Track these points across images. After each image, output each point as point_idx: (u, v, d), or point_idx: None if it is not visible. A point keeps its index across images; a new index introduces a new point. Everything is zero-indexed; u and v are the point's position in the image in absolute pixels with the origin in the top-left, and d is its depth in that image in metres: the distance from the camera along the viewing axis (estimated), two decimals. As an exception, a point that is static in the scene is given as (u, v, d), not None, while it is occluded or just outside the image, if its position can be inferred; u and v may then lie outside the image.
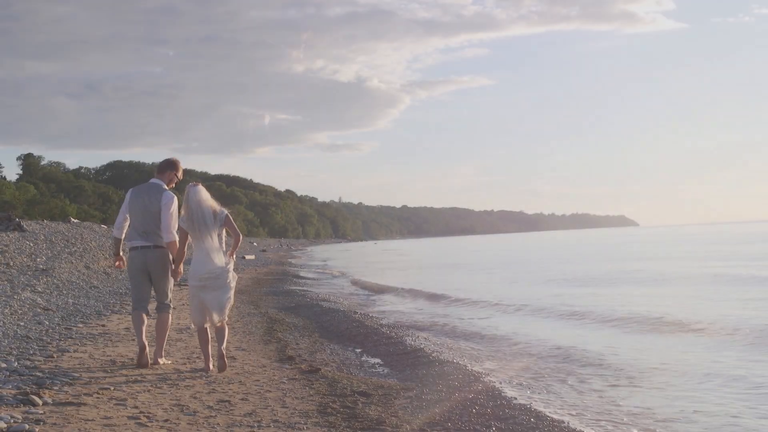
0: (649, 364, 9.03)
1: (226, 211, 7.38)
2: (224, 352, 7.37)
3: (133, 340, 9.25)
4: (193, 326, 7.39)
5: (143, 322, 7.45)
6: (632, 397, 7.45)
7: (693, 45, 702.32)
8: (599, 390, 7.74)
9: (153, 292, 7.70)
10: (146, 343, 7.46)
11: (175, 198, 7.53)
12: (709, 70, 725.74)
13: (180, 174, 7.79)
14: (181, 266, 7.55)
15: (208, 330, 7.40)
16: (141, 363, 7.40)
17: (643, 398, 7.35)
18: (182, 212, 7.34)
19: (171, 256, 7.55)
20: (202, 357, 7.59)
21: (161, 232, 7.39)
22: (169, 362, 7.79)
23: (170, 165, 7.73)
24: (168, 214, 7.38)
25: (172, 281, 7.68)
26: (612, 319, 13.16)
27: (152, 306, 7.83)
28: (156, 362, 7.55)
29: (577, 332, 12.25)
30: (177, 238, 7.39)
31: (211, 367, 7.37)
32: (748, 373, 8.23)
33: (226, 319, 7.45)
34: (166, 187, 7.61)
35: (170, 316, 7.68)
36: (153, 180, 7.68)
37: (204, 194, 7.30)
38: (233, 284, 7.39)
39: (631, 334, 11.58)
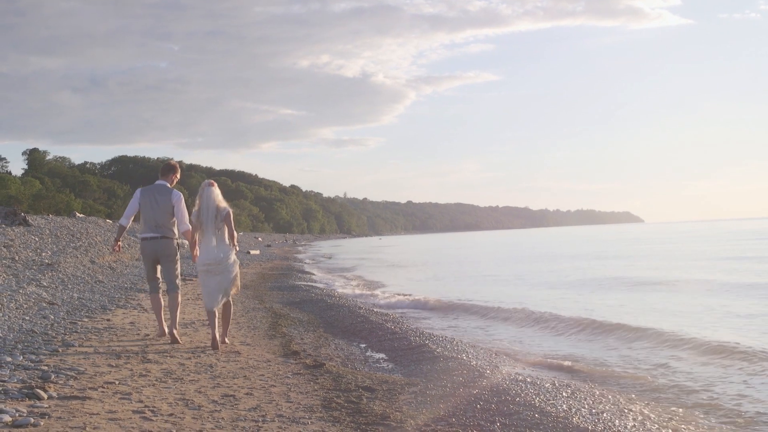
0: (659, 370, 9.01)
1: (228, 209, 8.45)
2: (219, 337, 8.57)
3: (137, 334, 9.31)
4: (208, 306, 8.51)
5: (161, 305, 8.91)
6: (640, 395, 7.45)
7: (699, 41, 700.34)
8: (605, 388, 7.73)
9: (163, 278, 8.97)
10: (166, 329, 8.89)
11: (182, 195, 8.89)
12: (714, 66, 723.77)
13: (179, 175, 9.16)
14: (196, 250, 8.59)
15: (215, 312, 8.53)
16: (163, 334, 8.94)
17: (652, 398, 7.35)
18: (195, 207, 8.45)
19: (185, 242, 8.97)
20: (211, 332, 8.57)
21: (177, 223, 8.75)
22: (181, 334, 9.20)
23: (172, 168, 9.10)
24: (181, 208, 8.72)
25: (179, 266, 8.96)
26: (620, 322, 13.13)
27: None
28: (170, 334, 8.79)
29: (584, 332, 12.23)
30: (190, 227, 8.63)
31: (225, 341, 8.71)
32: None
33: (231, 298, 8.61)
34: (170, 187, 8.94)
35: (179, 295, 8.94)
36: (159, 181, 8.96)
37: (215, 193, 8.45)
38: (235, 268, 8.48)
39: (641, 345, 11.52)
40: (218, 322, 8.71)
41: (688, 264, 28.89)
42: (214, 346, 8.38)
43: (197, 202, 8.46)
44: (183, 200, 8.81)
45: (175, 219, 8.74)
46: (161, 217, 8.66)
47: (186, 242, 8.94)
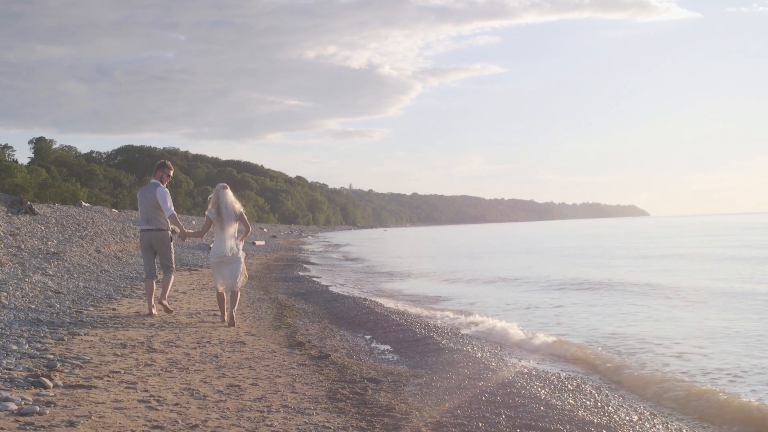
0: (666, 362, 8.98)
1: (242, 210, 9.81)
2: (234, 314, 9.81)
3: (143, 323, 9.38)
4: (219, 288, 9.90)
5: (152, 290, 10.24)
6: (644, 387, 7.43)
7: (706, 35, 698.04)
8: (612, 378, 7.71)
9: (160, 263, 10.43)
10: (154, 308, 10.19)
11: (167, 190, 10.29)
12: (721, 60, 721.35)
13: (171, 172, 10.56)
14: (184, 230, 10.31)
15: (225, 295, 9.90)
16: (150, 314, 10.15)
17: (658, 393, 7.33)
18: (210, 206, 9.75)
19: (171, 228, 10.36)
20: (220, 313, 10.13)
21: (164, 210, 10.13)
22: (171, 308, 10.59)
23: (160, 166, 10.52)
24: (165, 200, 10.13)
25: (173, 251, 10.47)
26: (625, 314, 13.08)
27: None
28: (160, 303, 10.34)
29: (589, 324, 12.22)
30: (175, 213, 10.17)
31: (226, 321, 9.82)
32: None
33: (239, 286, 9.81)
34: (161, 183, 10.29)
35: (173, 275, 10.48)
36: (152, 180, 10.39)
37: (230, 195, 9.77)
38: (243, 260, 9.85)
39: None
40: (226, 306, 9.93)
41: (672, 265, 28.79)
42: (230, 323, 9.71)
43: (213, 202, 9.74)
44: (167, 194, 10.23)
45: (163, 212, 10.17)
46: (151, 211, 10.20)
47: (175, 228, 10.37)
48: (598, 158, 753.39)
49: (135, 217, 38.79)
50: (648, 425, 5.87)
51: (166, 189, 10.35)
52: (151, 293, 10.23)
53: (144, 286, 10.56)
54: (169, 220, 10.26)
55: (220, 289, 9.88)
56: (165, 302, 10.39)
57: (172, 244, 10.45)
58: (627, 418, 6.01)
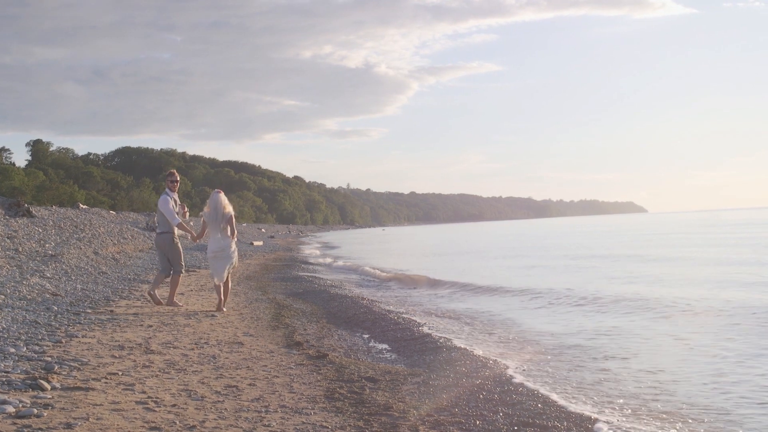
0: (654, 352, 8.99)
1: (231, 213, 11.31)
2: (225, 298, 11.49)
3: (141, 325, 9.36)
4: (216, 281, 11.31)
5: (161, 281, 11.80)
6: (638, 383, 7.44)
7: (703, 30, 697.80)
8: (607, 376, 7.72)
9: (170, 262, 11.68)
10: (157, 293, 11.59)
11: (168, 197, 11.55)
12: (719, 55, 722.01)
13: (176, 177, 11.86)
14: (194, 234, 11.69)
15: (221, 285, 11.32)
16: (155, 302, 11.47)
17: (648, 385, 7.34)
18: (205, 209, 11.24)
19: (178, 233, 11.71)
20: (217, 300, 11.57)
21: (169, 219, 11.49)
22: (181, 304, 11.67)
23: (167, 176, 11.95)
24: (167, 209, 11.46)
25: (181, 253, 11.74)
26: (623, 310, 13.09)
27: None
28: (170, 303, 11.48)
29: (586, 321, 12.22)
30: (180, 221, 11.53)
31: (223, 309, 11.28)
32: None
33: (230, 275, 11.43)
34: (167, 192, 11.62)
35: (180, 276, 11.76)
36: (166, 189, 11.75)
37: (223, 199, 11.27)
38: (235, 255, 11.35)
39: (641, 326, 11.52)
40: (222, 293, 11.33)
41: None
42: (219, 308, 11.26)
43: (208, 205, 11.18)
44: (166, 201, 11.50)
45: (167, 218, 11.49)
46: (160, 217, 11.63)
47: (186, 234, 11.80)
48: (596, 155, 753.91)
49: (133, 219, 39.08)
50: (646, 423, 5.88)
51: (167, 196, 11.55)
52: (159, 282, 11.75)
53: (156, 275, 12.31)
54: (178, 228, 11.60)
55: (216, 282, 11.28)
56: (174, 299, 11.60)
57: (179, 246, 11.72)
58: (624, 413, 6.02)
